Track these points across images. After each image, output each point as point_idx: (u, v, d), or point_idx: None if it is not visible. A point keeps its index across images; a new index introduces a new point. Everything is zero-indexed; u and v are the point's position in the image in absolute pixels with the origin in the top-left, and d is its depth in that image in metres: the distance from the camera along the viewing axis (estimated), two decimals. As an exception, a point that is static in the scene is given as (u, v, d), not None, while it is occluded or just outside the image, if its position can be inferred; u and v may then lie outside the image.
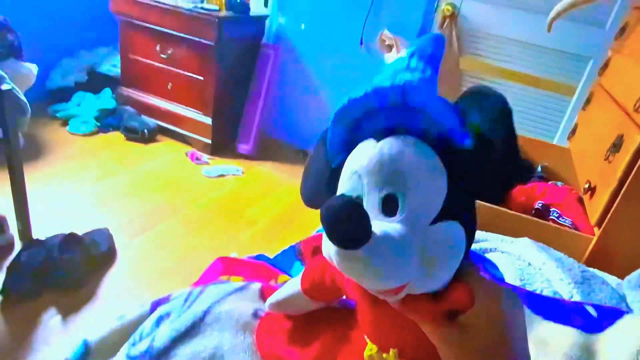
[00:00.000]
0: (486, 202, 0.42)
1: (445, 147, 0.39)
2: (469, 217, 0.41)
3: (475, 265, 0.41)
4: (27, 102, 1.36)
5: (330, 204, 0.35)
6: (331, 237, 0.35)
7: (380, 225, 0.37)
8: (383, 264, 0.35)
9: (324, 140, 0.46)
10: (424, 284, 0.38)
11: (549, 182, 1.59)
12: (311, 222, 1.84)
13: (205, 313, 0.60)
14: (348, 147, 0.44)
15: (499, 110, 0.40)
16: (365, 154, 0.41)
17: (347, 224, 0.34)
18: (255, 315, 0.62)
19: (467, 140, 0.38)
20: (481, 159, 0.39)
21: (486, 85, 0.42)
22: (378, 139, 0.41)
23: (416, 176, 0.38)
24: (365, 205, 0.39)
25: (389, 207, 0.38)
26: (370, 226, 0.35)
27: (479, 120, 0.40)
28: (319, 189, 0.48)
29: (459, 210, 0.39)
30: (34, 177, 1.90)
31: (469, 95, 0.42)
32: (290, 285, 0.59)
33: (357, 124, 0.43)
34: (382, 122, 0.41)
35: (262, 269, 0.81)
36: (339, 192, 0.43)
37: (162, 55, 2.37)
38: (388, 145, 0.40)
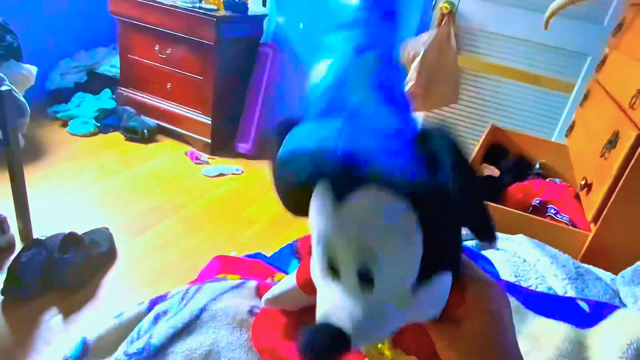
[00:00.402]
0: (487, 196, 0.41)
1: (411, 187, 0.34)
2: (453, 252, 0.39)
3: (467, 258, 0.42)
4: (26, 103, 1.36)
5: (310, 342, 0.35)
6: None
7: (357, 303, 0.36)
8: (367, 343, 0.38)
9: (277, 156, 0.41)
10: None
11: (547, 179, 1.60)
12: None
13: (202, 310, 0.61)
14: (305, 178, 0.37)
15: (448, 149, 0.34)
16: (327, 217, 0.36)
17: (328, 356, 0.35)
18: (251, 312, 0.63)
19: (433, 180, 0.33)
20: (451, 192, 0.34)
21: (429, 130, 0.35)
22: (336, 190, 0.35)
23: (388, 250, 0.34)
24: (340, 272, 0.38)
25: (364, 285, 0.36)
26: (349, 343, 0.35)
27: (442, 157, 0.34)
28: (291, 200, 0.44)
29: (441, 260, 0.37)
30: (35, 177, 1.91)
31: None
32: (286, 281, 0.59)
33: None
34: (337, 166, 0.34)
35: (259, 267, 0.81)
36: (312, 241, 0.41)
37: (161, 56, 2.38)
38: (349, 212, 0.34)
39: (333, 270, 0.39)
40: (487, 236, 0.37)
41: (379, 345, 0.48)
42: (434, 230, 0.35)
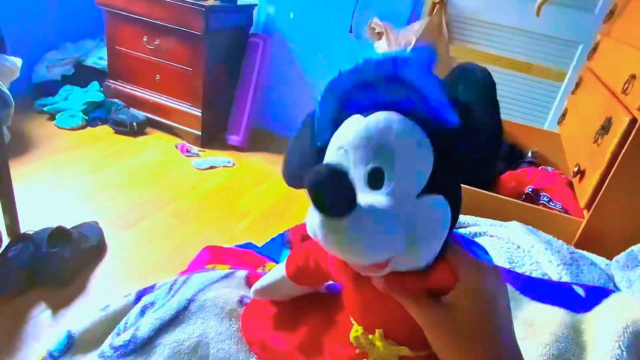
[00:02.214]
0: (472, 183, 0.43)
1: (432, 126, 0.39)
2: (455, 194, 0.41)
3: (459, 244, 0.41)
4: (9, 94, 1.33)
5: (316, 170, 0.34)
6: (316, 203, 0.34)
7: (366, 197, 0.37)
8: (368, 236, 0.35)
9: (310, 120, 0.46)
10: (409, 259, 0.38)
11: (539, 167, 1.60)
12: (302, 213, 1.83)
13: (190, 301, 0.59)
14: (335, 124, 0.43)
15: (482, 87, 0.40)
16: (352, 129, 0.40)
17: (332, 190, 0.34)
18: (241, 302, 0.61)
19: (454, 118, 0.38)
20: (468, 138, 0.39)
21: (472, 62, 0.42)
22: (365, 115, 0.41)
23: (403, 150, 0.38)
24: (351, 177, 0.39)
25: (375, 180, 0.38)
26: (355, 195, 0.34)
27: (466, 97, 0.40)
28: (304, 168, 0.47)
29: (445, 185, 0.39)
30: (22, 172, 1.88)
31: (456, 71, 0.42)
32: (276, 271, 0.58)
33: (346, 101, 0.43)
34: (371, 99, 0.41)
35: (249, 257, 0.80)
36: None
37: (149, 47, 2.34)
38: (375, 119, 0.39)
39: None
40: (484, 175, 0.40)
41: (370, 336, 0.46)
42: (443, 159, 0.39)
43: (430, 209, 0.38)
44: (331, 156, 0.42)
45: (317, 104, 0.44)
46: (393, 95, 0.40)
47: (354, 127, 0.40)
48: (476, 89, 0.40)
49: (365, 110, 0.41)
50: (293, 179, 0.49)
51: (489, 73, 0.41)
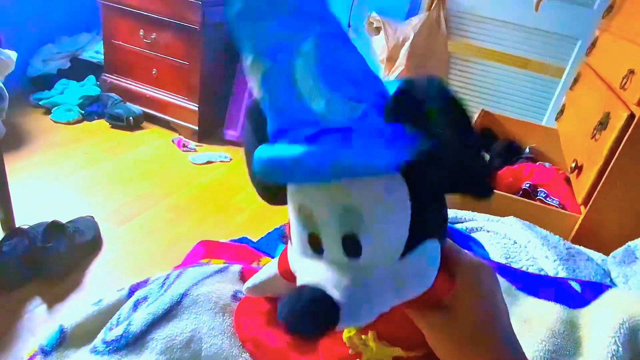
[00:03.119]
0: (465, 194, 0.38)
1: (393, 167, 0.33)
2: (440, 220, 0.37)
3: (452, 243, 0.40)
4: (4, 87, 1.32)
5: (290, 307, 0.31)
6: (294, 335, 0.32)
7: (345, 274, 0.33)
8: (356, 320, 0.33)
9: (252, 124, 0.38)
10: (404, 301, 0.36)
11: (537, 163, 1.59)
12: (300, 207, 1.82)
13: (183, 296, 0.59)
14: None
15: (442, 102, 0.33)
16: (311, 189, 0.35)
17: (313, 327, 0.31)
18: (235, 297, 0.61)
19: (421, 149, 0.32)
20: (440, 154, 0.32)
21: (414, 79, 0.33)
22: None
23: (374, 211, 0.33)
24: (324, 245, 0.35)
25: (350, 250, 0.34)
26: (337, 316, 0.31)
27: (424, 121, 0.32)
28: (266, 192, 0.43)
29: (429, 225, 0.35)
30: (17, 166, 1.87)
31: (404, 95, 0.33)
32: (268, 269, 0.57)
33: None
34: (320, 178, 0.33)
35: (244, 251, 0.79)
36: (291, 223, 0.38)
37: (146, 41, 2.32)
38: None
39: (314, 249, 0.36)
40: (485, 190, 0.34)
41: (363, 337, 0.46)
42: (422, 193, 0.33)
43: (418, 264, 0.35)
44: (293, 215, 0.37)
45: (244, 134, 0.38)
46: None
47: (311, 188, 0.34)
48: (443, 103, 0.33)
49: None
50: (264, 198, 0.44)
51: (441, 84, 0.33)
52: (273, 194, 0.40)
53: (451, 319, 0.37)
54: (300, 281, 0.36)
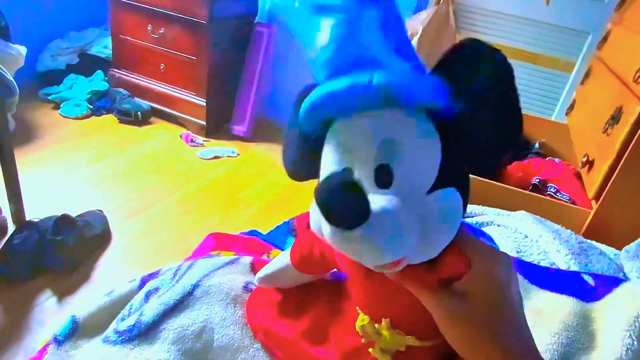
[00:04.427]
0: (483, 171, 0.41)
1: (436, 114, 0.37)
2: (465, 182, 0.39)
3: (466, 232, 0.40)
4: (14, 81, 1.32)
5: (326, 184, 0.33)
6: (328, 219, 0.33)
7: (376, 199, 0.34)
8: (382, 241, 0.34)
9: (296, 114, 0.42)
10: (423, 254, 0.37)
11: (547, 158, 1.58)
12: (307, 202, 1.82)
13: (195, 287, 0.59)
14: (326, 124, 0.40)
15: (491, 71, 0.36)
16: (351, 123, 0.38)
17: (344, 206, 0.32)
18: (246, 288, 0.61)
19: (456, 107, 0.36)
20: (474, 123, 0.36)
21: (479, 41, 0.37)
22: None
23: (409, 144, 0.36)
24: (356, 178, 0.37)
25: (382, 178, 0.36)
26: (369, 206, 0.33)
27: (471, 81, 0.36)
28: (301, 159, 0.45)
29: (456, 176, 0.37)
30: (27, 160, 1.88)
31: (461, 51, 0.37)
32: (280, 259, 0.57)
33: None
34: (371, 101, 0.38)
35: (254, 244, 0.79)
36: (325, 166, 0.40)
37: (154, 36, 2.33)
38: (374, 112, 0.37)
39: None
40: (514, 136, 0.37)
41: (376, 325, 0.46)
42: (451, 146, 0.37)
43: (443, 204, 0.36)
44: (331, 153, 0.39)
45: (298, 118, 0.41)
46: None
47: (353, 121, 0.38)
48: (483, 73, 0.36)
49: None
50: (294, 172, 0.47)
51: (501, 54, 0.36)
52: (305, 168, 0.45)
53: (464, 303, 0.37)
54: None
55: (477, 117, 0.36)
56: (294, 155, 0.46)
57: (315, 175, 0.42)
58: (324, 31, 0.38)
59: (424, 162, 0.36)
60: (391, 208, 0.34)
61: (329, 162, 0.39)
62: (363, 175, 0.36)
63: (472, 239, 0.39)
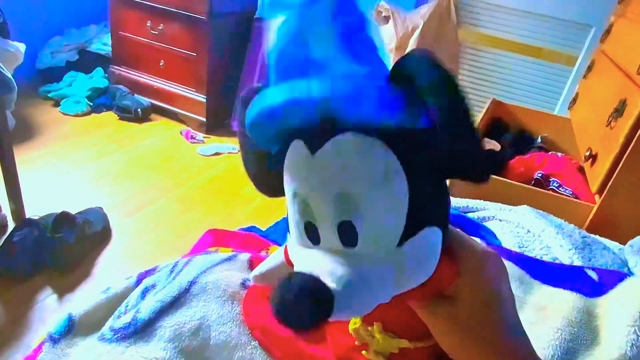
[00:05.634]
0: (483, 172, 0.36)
1: (391, 130, 0.31)
2: (440, 206, 0.35)
3: (457, 231, 0.38)
4: (12, 78, 1.31)
5: (281, 295, 0.29)
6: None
7: (339, 270, 0.31)
8: (351, 314, 0.31)
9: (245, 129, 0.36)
10: (402, 289, 0.34)
11: (549, 153, 1.57)
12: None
13: (191, 283, 0.58)
14: (277, 139, 0.35)
15: (438, 78, 0.31)
16: (301, 171, 0.34)
17: (305, 317, 0.29)
18: (243, 285, 0.60)
19: (423, 121, 0.31)
20: (437, 140, 0.31)
21: (416, 51, 0.32)
22: (309, 143, 0.33)
23: (367, 197, 0.31)
24: (320, 233, 0.34)
25: (346, 237, 0.32)
26: (330, 305, 0.29)
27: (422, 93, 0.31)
28: (263, 175, 0.41)
29: (428, 212, 0.33)
30: (27, 157, 1.88)
31: (405, 65, 0.32)
32: (274, 257, 0.56)
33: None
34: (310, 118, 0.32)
35: (252, 240, 0.79)
36: (288, 207, 0.36)
37: (153, 32, 2.32)
38: (325, 159, 0.32)
39: (311, 238, 0.35)
40: (482, 175, 0.33)
41: (369, 328, 0.45)
42: (420, 176, 0.32)
43: (418, 250, 0.33)
44: (289, 203, 0.36)
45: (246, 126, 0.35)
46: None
47: (302, 168, 0.33)
48: (431, 81, 0.31)
49: (307, 133, 0.33)
50: (261, 187, 0.43)
51: (436, 61, 0.31)
52: (270, 185, 0.40)
53: (453, 309, 0.35)
54: (296, 270, 0.34)
55: (440, 136, 0.31)
56: (253, 168, 0.42)
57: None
58: (272, 30, 0.34)
59: (388, 215, 0.32)
60: (357, 280, 0.31)
61: (290, 213, 0.36)
62: (326, 233, 0.33)
63: (458, 243, 0.36)
